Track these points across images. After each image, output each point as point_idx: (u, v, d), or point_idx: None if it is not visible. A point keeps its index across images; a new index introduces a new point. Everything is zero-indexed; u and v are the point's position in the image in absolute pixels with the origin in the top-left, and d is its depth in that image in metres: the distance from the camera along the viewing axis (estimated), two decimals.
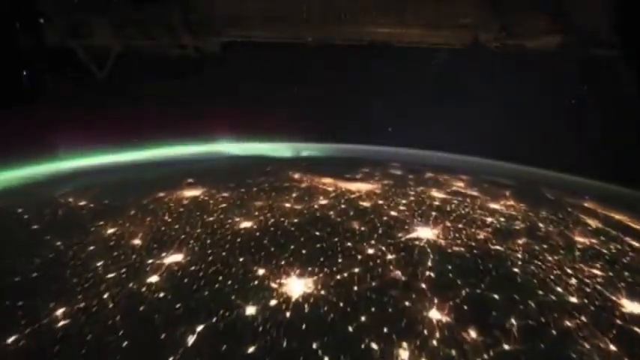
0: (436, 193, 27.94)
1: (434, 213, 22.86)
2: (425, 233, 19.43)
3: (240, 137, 62.35)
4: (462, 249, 17.86)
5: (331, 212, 22.11)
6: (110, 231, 19.45)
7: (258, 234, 18.76)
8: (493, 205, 25.88)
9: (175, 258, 16.44)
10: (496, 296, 14.17)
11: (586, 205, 31.03)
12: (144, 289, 14.11)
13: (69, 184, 32.88)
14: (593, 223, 24.75)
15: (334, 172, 34.24)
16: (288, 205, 23.32)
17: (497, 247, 18.38)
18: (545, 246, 19.12)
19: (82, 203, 24.97)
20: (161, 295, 13.72)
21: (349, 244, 17.81)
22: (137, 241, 18.04)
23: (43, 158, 41.63)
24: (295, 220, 20.49)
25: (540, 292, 14.57)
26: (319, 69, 50.49)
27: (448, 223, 21.18)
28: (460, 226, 20.95)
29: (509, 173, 47.56)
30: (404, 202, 24.96)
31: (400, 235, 19.09)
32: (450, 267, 16.06)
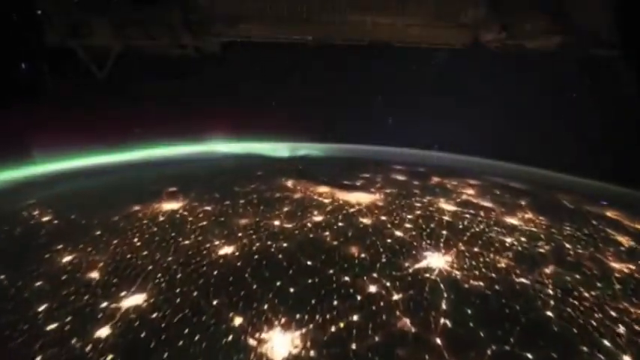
0: (445, 205, 25.00)
1: (445, 232, 19.93)
2: (436, 261, 16.55)
3: (235, 137, 59.67)
4: (482, 284, 14.97)
5: (327, 233, 19.19)
6: (67, 259, 16.53)
7: (239, 264, 15.86)
8: (510, 220, 22.95)
9: (135, 300, 13.55)
10: (530, 356, 11.34)
11: (609, 214, 28.17)
12: (88, 348, 11.28)
13: (44, 190, 30.15)
14: (624, 240, 21.82)
15: (331, 178, 31.26)
16: (277, 223, 20.39)
17: (523, 280, 15.48)
18: (577, 276, 16.23)
19: (46, 218, 22.05)
20: (108, 359, 10.92)
21: (346, 278, 14.92)
22: (94, 275, 15.15)
23: (28, 159, 39.06)
24: (284, 245, 17.58)
25: (584, 349, 11.73)
26: (319, 68, 48.10)
27: (462, 246, 18.28)
28: (476, 249, 18.05)
29: (517, 175, 44.68)
30: (410, 217, 22.03)
31: (407, 264, 16.19)
32: (469, 311, 13.19)
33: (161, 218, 21.31)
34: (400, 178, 33.62)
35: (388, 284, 14.56)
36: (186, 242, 17.96)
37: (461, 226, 21.10)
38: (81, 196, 27.45)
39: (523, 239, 19.84)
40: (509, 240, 19.60)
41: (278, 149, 57.30)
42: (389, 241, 18.49)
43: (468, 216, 23.05)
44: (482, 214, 23.75)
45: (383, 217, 21.71)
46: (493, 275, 15.68)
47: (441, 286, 14.58)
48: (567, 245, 19.62)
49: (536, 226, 22.36)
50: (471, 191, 30.21)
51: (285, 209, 22.47)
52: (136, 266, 15.70)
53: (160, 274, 15.06)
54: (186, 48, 5.37)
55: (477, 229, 20.78)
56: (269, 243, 17.79)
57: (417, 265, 16.07)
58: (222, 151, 55.84)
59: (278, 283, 14.38)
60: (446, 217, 22.37)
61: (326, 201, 24.42)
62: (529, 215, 24.33)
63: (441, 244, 18.40)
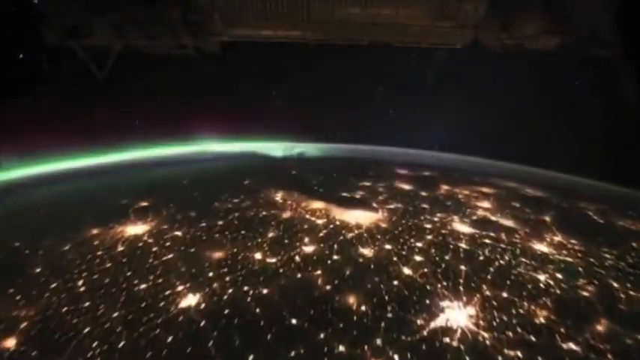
0: (460, 226, 21.30)
1: (463, 267, 16.30)
2: (457, 316, 12.93)
3: (230, 136, 55.76)
4: (520, 355, 11.42)
5: (318, 271, 15.56)
6: None
7: (202, 324, 12.25)
8: (539, 246, 19.29)
9: None
10: None
11: None
12: None
13: (4, 201, 26.86)
14: None
15: (328, 188, 27.48)
16: (258, 255, 16.72)
17: (572, 347, 11.90)
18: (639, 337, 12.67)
19: None
20: None
21: (341, 347, 11.35)
22: (10, 343, 11.56)
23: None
24: (264, 292, 13.95)
25: None
26: (319, 67, 44.65)
27: (487, 290, 14.68)
28: (505, 295, 14.45)
29: (527, 177, 41.10)
30: (419, 245, 18.37)
31: (420, 321, 12.56)
32: None
33: (120, 248, 17.66)
34: (405, 186, 29.85)
35: (396, 358, 10.97)
36: (142, 287, 14.32)
37: (482, 258, 17.45)
38: (38, 211, 23.74)
39: (559, 276, 16.20)
40: (542, 278, 15.96)
41: (273, 149, 53.61)
42: (395, 283, 14.86)
43: (488, 241, 19.38)
44: (504, 237, 20.07)
45: (387, 246, 18.03)
46: (532, 338, 12.07)
47: (467, 359, 10.97)
48: (614, 284, 15.99)
49: (570, 253, 18.71)
50: (486, 204, 26.49)
51: (270, 235, 18.79)
52: (69, 327, 12.09)
53: (96, 342, 11.46)
54: (186, 48, 5.14)
55: (502, 262, 17.14)
56: (245, 289, 14.15)
57: (432, 324, 12.46)
58: (214, 151, 52.13)
59: (250, 358, 10.79)
60: (462, 245, 18.68)
61: (320, 222, 20.72)
62: (558, 238, 20.66)
63: (461, 287, 14.77)
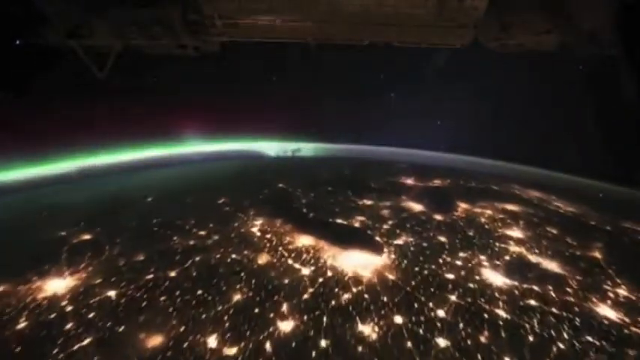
0: (492, 274, 16.03)
1: None
2: None
3: (219, 135, 50.05)
4: None
5: None
6: None
7: None
8: (603, 310, 14.15)
9: None
10: None
11: None
12: None
13: None
14: None
15: (319, 211, 22.19)
16: (212, 342, 11.57)
17: None
18: None
19: None
20: None
21: None
22: None
23: None
24: None
25: None
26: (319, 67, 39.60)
27: None
28: None
29: (549, 183, 36.22)
30: (442, 315, 13.26)
31: None
32: None
33: (20, 324, 12.52)
34: (414, 206, 24.56)
35: None
36: None
37: (532, 338, 12.32)
38: None
39: None
40: None
41: (266, 148, 48.35)
42: None
43: (533, 303, 14.25)
44: (552, 293, 14.95)
45: (398, 319, 12.86)
46: None
47: None
48: None
49: None
50: (517, 232, 21.25)
51: (236, 298, 13.62)
52: None
53: None
54: (186, 48, 5.30)
55: (562, 346, 12.01)
56: None
57: None
58: (200, 151, 46.66)
59: None
60: (501, 312, 13.54)
61: (306, 273, 15.53)
62: (623, 291, 15.59)
63: None
